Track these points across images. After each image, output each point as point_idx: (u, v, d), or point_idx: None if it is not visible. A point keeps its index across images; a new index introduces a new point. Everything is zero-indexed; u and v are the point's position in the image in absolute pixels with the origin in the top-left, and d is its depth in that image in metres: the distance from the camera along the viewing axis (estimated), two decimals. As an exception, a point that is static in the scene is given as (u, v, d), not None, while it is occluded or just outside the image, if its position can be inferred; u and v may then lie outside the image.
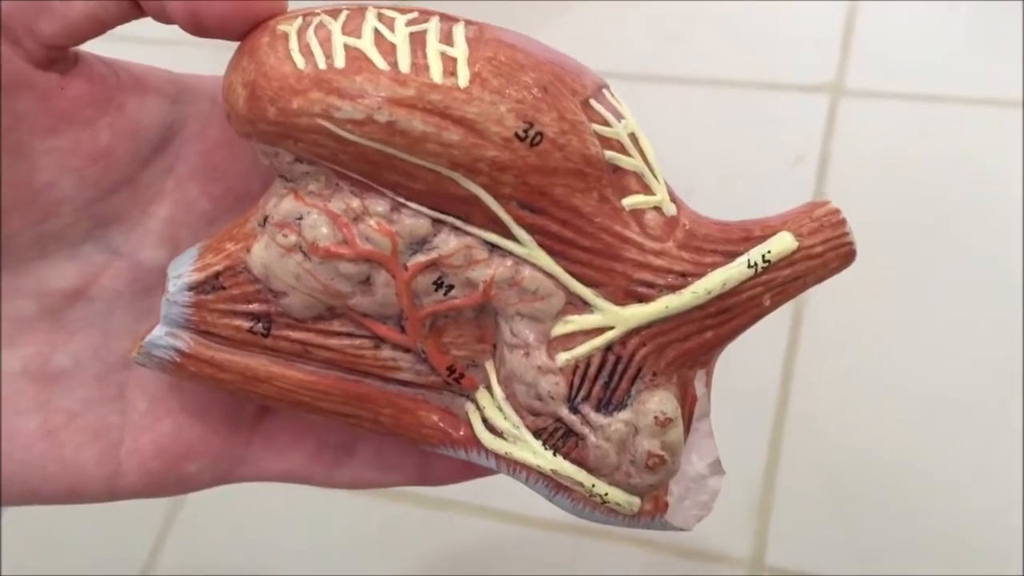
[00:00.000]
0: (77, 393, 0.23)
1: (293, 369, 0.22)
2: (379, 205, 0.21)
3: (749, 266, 0.22)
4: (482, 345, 0.23)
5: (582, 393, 0.22)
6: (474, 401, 0.23)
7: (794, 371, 0.47)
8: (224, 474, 0.24)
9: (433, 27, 0.21)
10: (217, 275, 0.22)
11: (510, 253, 0.21)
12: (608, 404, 0.22)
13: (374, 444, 0.25)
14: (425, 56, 0.20)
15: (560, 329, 0.22)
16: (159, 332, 0.22)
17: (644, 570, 0.43)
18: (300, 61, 0.20)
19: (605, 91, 0.22)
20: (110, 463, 0.23)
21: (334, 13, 0.21)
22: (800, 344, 0.48)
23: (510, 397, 0.22)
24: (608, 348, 0.22)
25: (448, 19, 0.21)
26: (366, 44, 0.20)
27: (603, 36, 0.61)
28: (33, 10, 0.20)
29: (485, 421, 0.23)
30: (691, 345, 0.22)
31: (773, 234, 0.22)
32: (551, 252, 0.21)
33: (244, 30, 0.21)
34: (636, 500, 0.23)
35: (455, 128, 0.20)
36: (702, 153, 0.54)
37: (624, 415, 0.22)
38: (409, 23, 0.21)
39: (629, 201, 0.22)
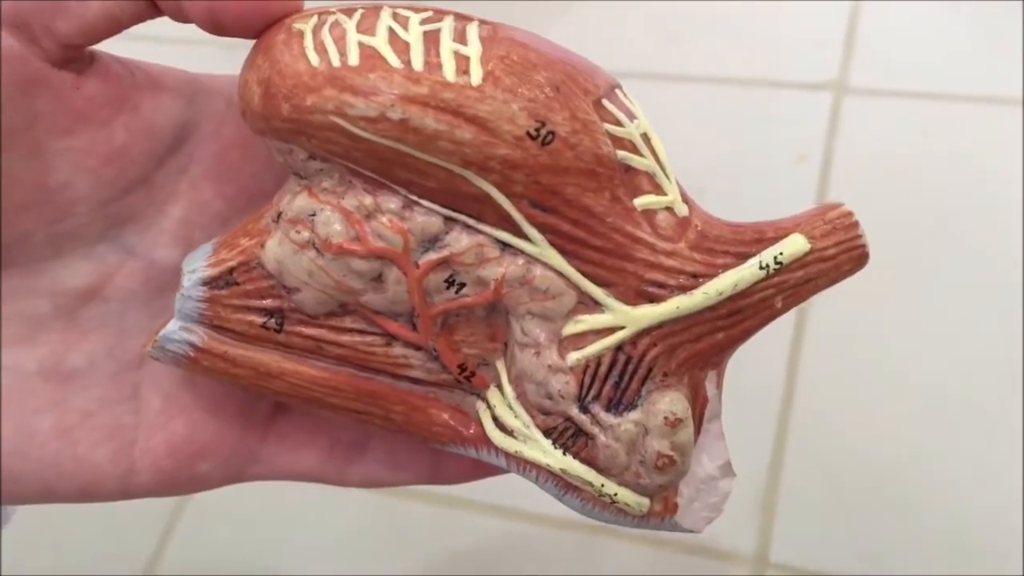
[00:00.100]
0: (91, 392, 0.23)
1: (305, 365, 0.22)
2: (391, 202, 0.21)
3: (761, 268, 0.21)
4: (493, 344, 0.22)
5: (592, 393, 0.22)
6: (485, 400, 0.23)
7: (798, 369, 0.47)
8: (237, 473, 0.24)
9: (447, 26, 0.20)
10: (231, 270, 0.22)
11: (522, 252, 0.21)
12: (618, 404, 0.22)
13: (386, 443, 0.25)
14: (438, 54, 0.20)
15: (571, 328, 0.22)
16: (173, 326, 0.22)
17: (650, 567, 0.43)
18: (314, 59, 0.20)
19: (618, 91, 0.22)
20: (124, 462, 0.23)
21: (349, 12, 0.21)
22: (804, 342, 0.48)
23: (520, 396, 0.22)
24: (619, 348, 0.22)
25: (462, 18, 0.21)
26: (380, 42, 0.20)
27: (605, 35, 0.61)
28: (50, 9, 0.20)
29: (495, 420, 0.22)
30: (702, 346, 0.22)
31: (785, 236, 0.22)
32: (562, 251, 0.21)
33: (261, 28, 0.21)
34: (645, 501, 0.22)
35: (467, 126, 0.20)
36: (706, 151, 0.54)
37: (634, 415, 0.22)
38: (423, 22, 0.20)
39: (641, 201, 0.21)
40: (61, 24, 0.20)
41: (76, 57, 0.21)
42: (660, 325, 0.21)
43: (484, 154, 0.20)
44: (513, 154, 0.20)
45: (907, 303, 0.48)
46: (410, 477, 0.25)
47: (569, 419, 0.22)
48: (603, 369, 0.22)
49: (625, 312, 0.21)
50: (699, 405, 0.22)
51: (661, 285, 0.21)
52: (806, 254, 0.21)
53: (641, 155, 0.21)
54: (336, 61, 0.20)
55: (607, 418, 0.22)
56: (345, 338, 0.22)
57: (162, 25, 0.22)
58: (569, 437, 0.22)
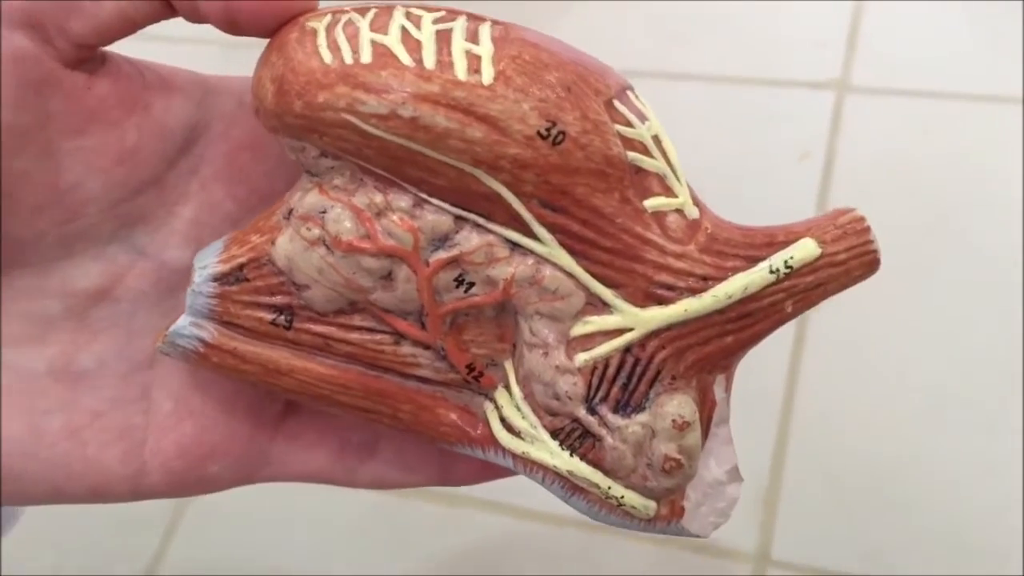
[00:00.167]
0: (101, 393, 0.23)
1: (314, 363, 0.22)
2: (402, 201, 0.21)
3: (771, 271, 0.21)
4: (502, 344, 0.22)
5: (600, 394, 0.22)
6: (492, 400, 0.22)
7: (800, 368, 0.47)
8: (247, 475, 0.24)
9: (459, 26, 0.20)
10: (241, 267, 0.22)
11: (531, 252, 0.21)
12: (626, 406, 0.22)
13: (396, 444, 0.25)
14: (450, 53, 0.20)
15: (579, 329, 0.21)
16: (183, 322, 0.22)
17: (652, 565, 0.43)
18: (327, 56, 0.20)
19: (629, 92, 0.22)
20: (134, 463, 0.23)
21: (363, 11, 0.21)
22: (806, 341, 0.47)
23: (528, 397, 0.22)
24: (627, 350, 0.21)
25: (475, 19, 0.21)
26: (392, 40, 0.20)
27: (607, 34, 0.61)
28: (64, 9, 0.20)
29: (503, 420, 0.22)
30: (711, 349, 0.21)
31: (796, 240, 0.21)
32: (572, 252, 0.21)
33: (275, 27, 0.21)
34: (652, 504, 0.22)
35: (478, 125, 0.20)
36: (708, 150, 0.54)
37: (642, 417, 0.22)
38: (436, 21, 0.20)
39: (651, 203, 0.21)
40: (75, 24, 0.20)
41: (89, 57, 0.21)
42: (669, 327, 0.21)
43: (494, 153, 0.20)
44: (523, 153, 0.20)
45: (908, 301, 0.48)
46: (419, 478, 0.25)
47: (576, 420, 0.22)
48: (611, 371, 0.21)
49: (634, 314, 0.21)
50: (707, 409, 0.22)
51: (670, 287, 0.21)
52: (817, 259, 0.21)
53: (652, 157, 0.21)
54: (349, 59, 0.20)
55: (614, 420, 0.22)
56: (354, 336, 0.22)
57: (162, 24, 0.22)
58: (576, 438, 0.22)
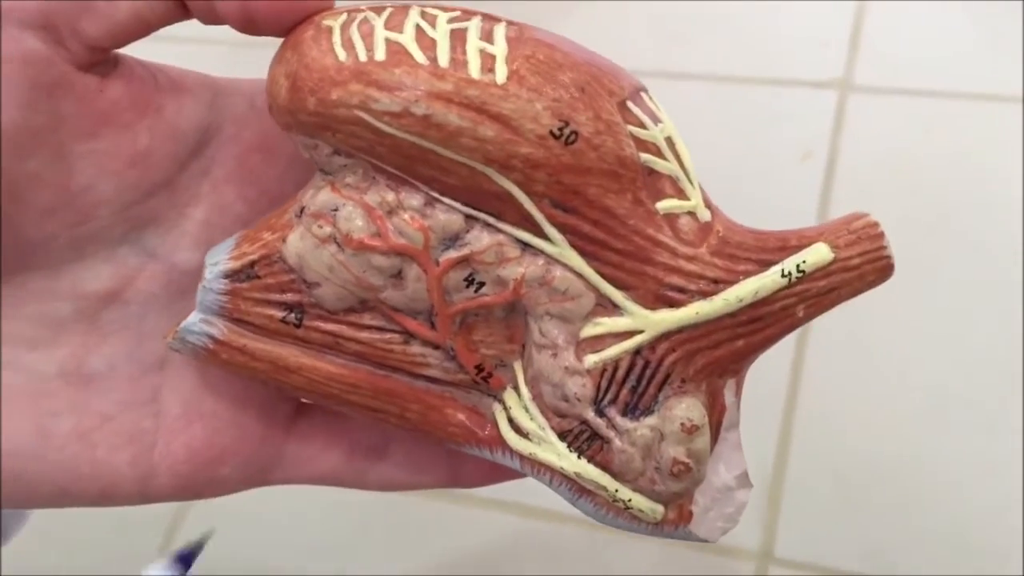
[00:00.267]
0: (111, 395, 0.23)
1: (323, 361, 0.22)
2: (414, 199, 0.20)
3: (783, 275, 0.21)
4: (511, 345, 0.22)
5: (609, 396, 0.21)
6: (501, 401, 0.22)
7: (803, 367, 0.47)
8: (257, 478, 0.24)
9: (474, 25, 0.20)
10: (253, 264, 0.22)
11: (542, 252, 0.21)
12: (635, 409, 0.21)
13: (406, 446, 0.24)
14: (464, 52, 0.20)
15: (589, 331, 0.21)
16: (194, 318, 0.22)
17: (656, 563, 0.42)
18: (342, 54, 0.20)
19: (643, 94, 0.21)
20: (143, 466, 0.23)
21: (379, 10, 0.20)
22: (809, 339, 0.47)
23: (537, 398, 0.22)
24: (637, 352, 0.21)
25: (490, 19, 0.20)
26: (407, 39, 0.20)
27: (610, 34, 0.61)
28: (77, 11, 0.20)
29: (511, 421, 0.22)
30: (721, 353, 0.21)
31: (809, 244, 0.21)
32: (582, 253, 0.21)
33: (292, 26, 0.21)
34: (660, 508, 0.22)
35: (490, 124, 0.19)
36: (711, 149, 0.53)
37: (650, 420, 0.21)
38: (451, 21, 0.20)
39: (663, 205, 0.21)
40: (89, 26, 0.20)
41: (102, 60, 0.21)
42: (679, 330, 0.21)
43: (506, 152, 0.19)
44: (536, 153, 0.20)
45: (910, 300, 0.47)
46: (429, 480, 0.25)
47: (585, 422, 0.21)
48: (620, 373, 0.21)
49: (644, 316, 0.21)
50: (717, 413, 0.22)
51: (681, 290, 0.21)
52: (829, 263, 0.21)
53: (664, 159, 0.21)
54: (363, 56, 0.19)
55: (623, 422, 0.21)
56: (363, 335, 0.22)
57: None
58: (584, 440, 0.22)
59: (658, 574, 0.42)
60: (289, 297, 0.22)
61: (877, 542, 0.42)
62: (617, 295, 0.21)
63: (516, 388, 0.22)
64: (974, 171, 0.52)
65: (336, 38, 0.20)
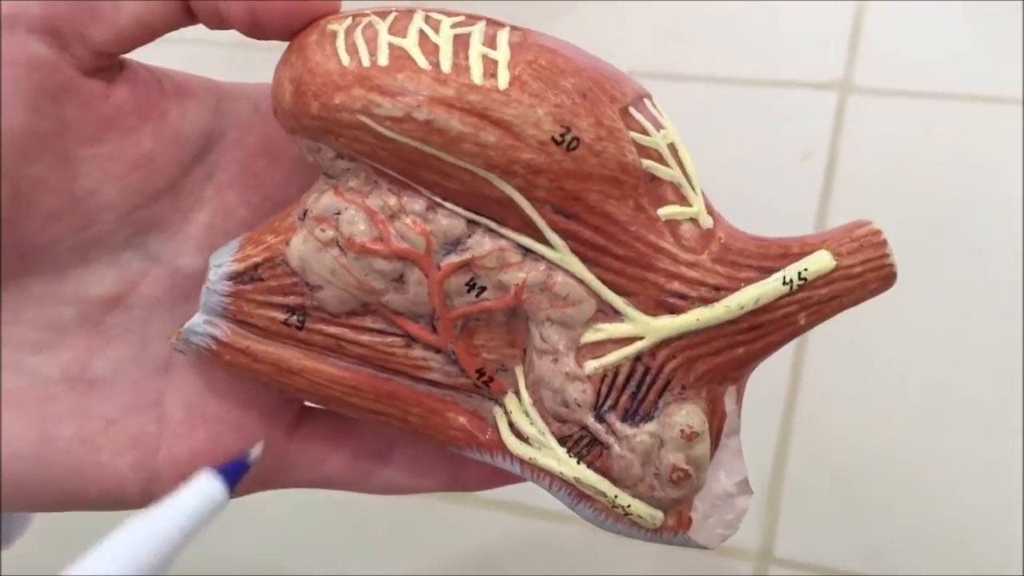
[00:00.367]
0: (114, 400, 0.22)
1: (325, 364, 0.22)
2: (416, 204, 0.20)
3: (784, 283, 0.21)
4: (512, 350, 0.22)
5: (609, 402, 0.21)
6: (502, 405, 0.22)
7: (802, 366, 0.46)
8: (261, 482, 0.24)
9: (478, 30, 0.20)
10: (256, 266, 0.21)
11: (543, 258, 0.21)
12: (635, 415, 0.21)
13: (409, 450, 0.24)
14: (467, 57, 0.19)
15: (590, 336, 0.21)
16: (198, 319, 0.22)
17: (655, 563, 0.42)
18: (345, 58, 0.19)
19: (646, 100, 0.21)
20: (146, 470, 0.22)
21: (383, 14, 0.20)
22: (808, 339, 0.47)
23: (537, 403, 0.22)
24: (637, 358, 0.21)
25: (494, 24, 0.20)
26: (410, 44, 0.20)
27: (609, 35, 0.61)
28: (83, 16, 0.20)
29: (511, 426, 0.22)
30: (722, 360, 0.21)
31: (811, 252, 0.21)
32: (584, 258, 0.20)
33: (298, 29, 0.20)
34: (659, 514, 0.22)
35: (492, 129, 0.19)
36: (711, 151, 0.53)
37: (650, 427, 0.21)
38: (455, 26, 0.20)
39: (665, 211, 0.21)
40: (94, 32, 0.20)
41: (107, 65, 0.20)
42: (680, 337, 0.21)
43: (508, 157, 0.19)
44: (537, 158, 0.19)
45: (910, 300, 0.47)
46: (431, 484, 0.24)
47: (585, 428, 0.21)
48: (620, 379, 0.21)
49: (644, 322, 0.21)
50: (717, 420, 0.21)
51: (682, 296, 0.21)
52: (832, 271, 0.21)
53: (667, 165, 0.21)
54: (366, 61, 0.19)
55: (623, 428, 0.21)
56: (365, 338, 0.22)
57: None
58: (584, 446, 0.21)
59: (658, 574, 0.42)
60: (292, 300, 0.21)
61: (877, 542, 0.42)
62: (618, 301, 0.21)
63: (517, 393, 0.22)
64: (974, 172, 0.52)
65: (340, 42, 0.20)
